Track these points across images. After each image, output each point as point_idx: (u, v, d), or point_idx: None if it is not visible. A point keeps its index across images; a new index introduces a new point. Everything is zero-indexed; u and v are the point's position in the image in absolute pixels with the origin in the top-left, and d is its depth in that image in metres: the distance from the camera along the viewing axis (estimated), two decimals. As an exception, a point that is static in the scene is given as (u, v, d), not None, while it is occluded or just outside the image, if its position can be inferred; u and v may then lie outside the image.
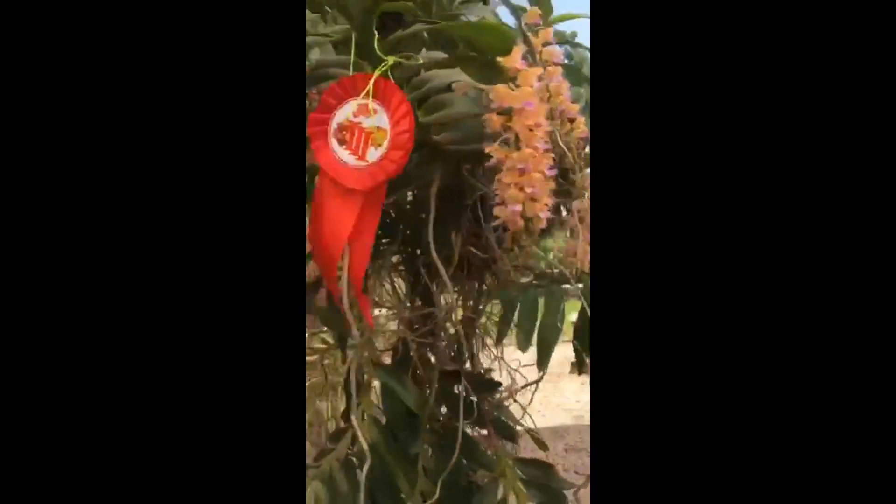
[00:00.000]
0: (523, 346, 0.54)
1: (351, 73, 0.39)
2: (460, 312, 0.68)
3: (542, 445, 0.68)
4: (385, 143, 0.38)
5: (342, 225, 0.39)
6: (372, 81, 0.37)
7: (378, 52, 0.38)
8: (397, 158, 0.38)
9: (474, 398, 0.63)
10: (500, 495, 0.57)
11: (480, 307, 0.67)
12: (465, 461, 0.62)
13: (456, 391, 0.60)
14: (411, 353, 0.64)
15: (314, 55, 0.41)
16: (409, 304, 0.66)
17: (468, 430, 0.65)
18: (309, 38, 0.41)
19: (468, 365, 0.66)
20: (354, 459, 0.57)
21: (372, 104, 0.38)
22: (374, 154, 0.38)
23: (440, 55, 0.39)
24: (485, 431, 0.64)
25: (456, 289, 0.66)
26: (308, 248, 0.41)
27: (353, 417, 0.58)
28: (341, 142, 0.39)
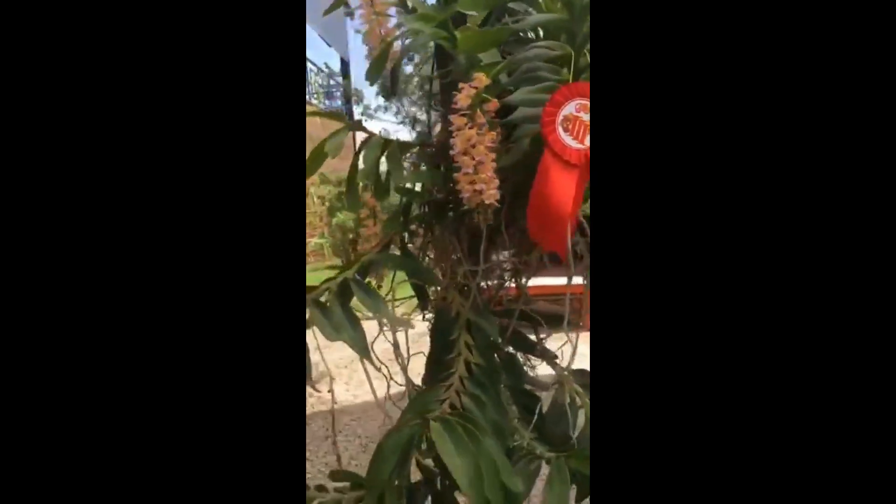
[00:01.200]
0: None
1: (570, 80, 0.54)
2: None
3: (554, 365, 0.88)
4: (600, 133, 0.54)
5: (566, 191, 0.54)
6: (598, 88, 0.53)
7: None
8: (607, 144, 0.54)
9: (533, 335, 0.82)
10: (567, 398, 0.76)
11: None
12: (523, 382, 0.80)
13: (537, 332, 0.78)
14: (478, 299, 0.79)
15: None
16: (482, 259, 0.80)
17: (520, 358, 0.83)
18: (532, 49, 0.55)
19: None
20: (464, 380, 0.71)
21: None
22: (589, 140, 0.54)
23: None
24: (539, 361, 0.82)
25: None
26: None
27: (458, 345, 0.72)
28: (566, 129, 0.54)
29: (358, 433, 2.16)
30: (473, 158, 0.53)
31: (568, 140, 0.54)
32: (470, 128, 0.52)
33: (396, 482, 0.62)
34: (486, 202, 0.53)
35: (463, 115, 0.53)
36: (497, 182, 0.54)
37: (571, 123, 0.54)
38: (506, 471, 0.57)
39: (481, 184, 0.53)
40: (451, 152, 0.53)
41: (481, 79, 0.52)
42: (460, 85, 0.53)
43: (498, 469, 0.55)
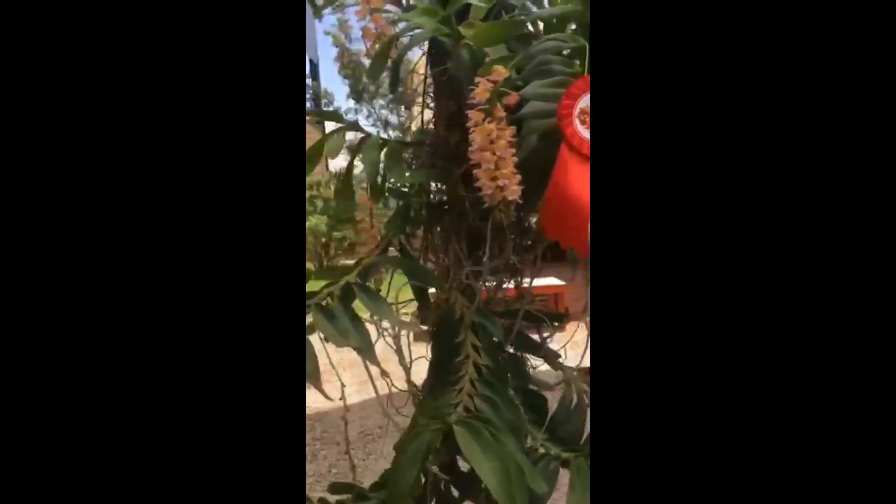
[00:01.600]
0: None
1: (585, 73, 0.54)
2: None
3: (557, 365, 0.88)
4: (616, 125, 0.53)
5: (584, 185, 0.53)
6: (615, 81, 0.53)
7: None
8: (624, 136, 0.54)
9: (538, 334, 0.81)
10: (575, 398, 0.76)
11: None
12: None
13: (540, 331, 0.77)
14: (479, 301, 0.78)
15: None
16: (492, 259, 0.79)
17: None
18: (546, 42, 0.54)
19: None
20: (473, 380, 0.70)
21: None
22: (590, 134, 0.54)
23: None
24: (540, 362, 0.82)
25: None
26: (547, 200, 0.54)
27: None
28: (582, 122, 0.53)
29: (336, 440, 2.12)
30: (494, 154, 0.51)
31: (585, 133, 0.54)
32: (489, 122, 0.51)
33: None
34: (509, 198, 0.52)
35: (480, 109, 0.51)
36: (519, 177, 0.52)
37: (588, 116, 0.54)
38: (529, 472, 0.56)
39: (504, 179, 0.51)
40: (470, 149, 0.52)
41: (500, 72, 0.51)
42: (477, 79, 0.51)
43: (523, 470, 0.54)
